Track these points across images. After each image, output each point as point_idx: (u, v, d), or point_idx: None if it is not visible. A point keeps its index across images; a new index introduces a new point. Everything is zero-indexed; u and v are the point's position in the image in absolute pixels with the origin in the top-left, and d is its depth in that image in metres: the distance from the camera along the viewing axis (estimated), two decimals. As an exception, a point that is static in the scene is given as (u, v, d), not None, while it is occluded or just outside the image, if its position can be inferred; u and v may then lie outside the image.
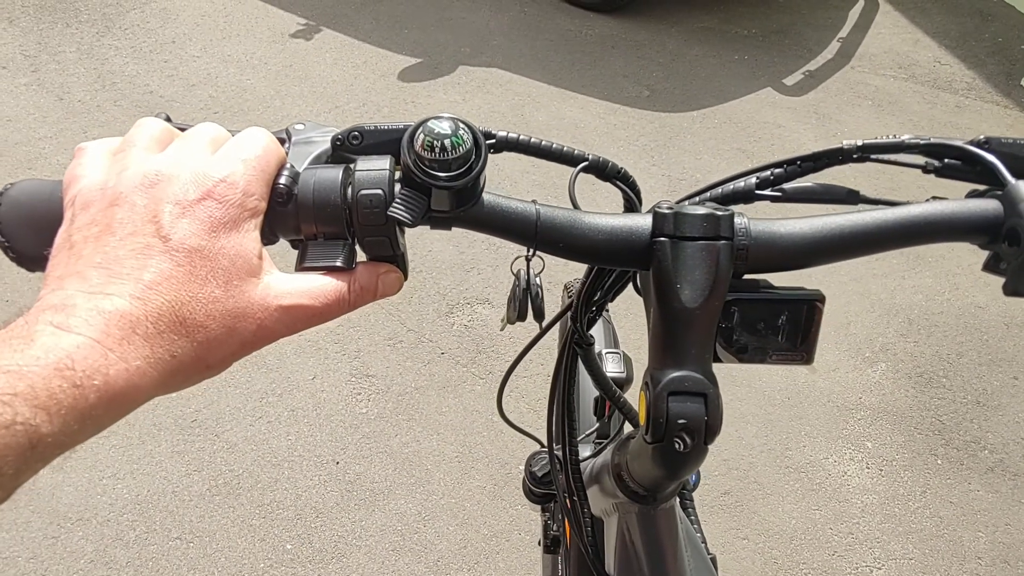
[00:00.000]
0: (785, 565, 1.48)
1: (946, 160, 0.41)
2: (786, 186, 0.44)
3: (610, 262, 0.39)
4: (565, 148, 0.45)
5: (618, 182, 0.46)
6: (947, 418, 1.73)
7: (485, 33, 2.85)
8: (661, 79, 2.71)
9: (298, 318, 0.32)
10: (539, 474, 0.74)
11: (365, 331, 1.83)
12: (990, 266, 0.38)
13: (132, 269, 0.28)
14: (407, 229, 0.39)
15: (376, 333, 1.83)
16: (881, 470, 1.63)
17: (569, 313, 0.54)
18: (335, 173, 0.35)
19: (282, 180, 0.34)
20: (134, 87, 2.46)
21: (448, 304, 1.91)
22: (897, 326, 1.92)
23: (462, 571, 1.44)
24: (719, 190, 0.45)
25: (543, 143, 0.44)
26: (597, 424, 0.76)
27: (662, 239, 0.37)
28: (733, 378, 1.78)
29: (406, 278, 0.39)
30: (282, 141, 0.39)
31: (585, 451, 0.66)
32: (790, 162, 0.44)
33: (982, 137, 0.41)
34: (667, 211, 0.38)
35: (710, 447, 0.38)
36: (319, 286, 0.33)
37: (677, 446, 0.37)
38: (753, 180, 0.44)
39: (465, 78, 2.63)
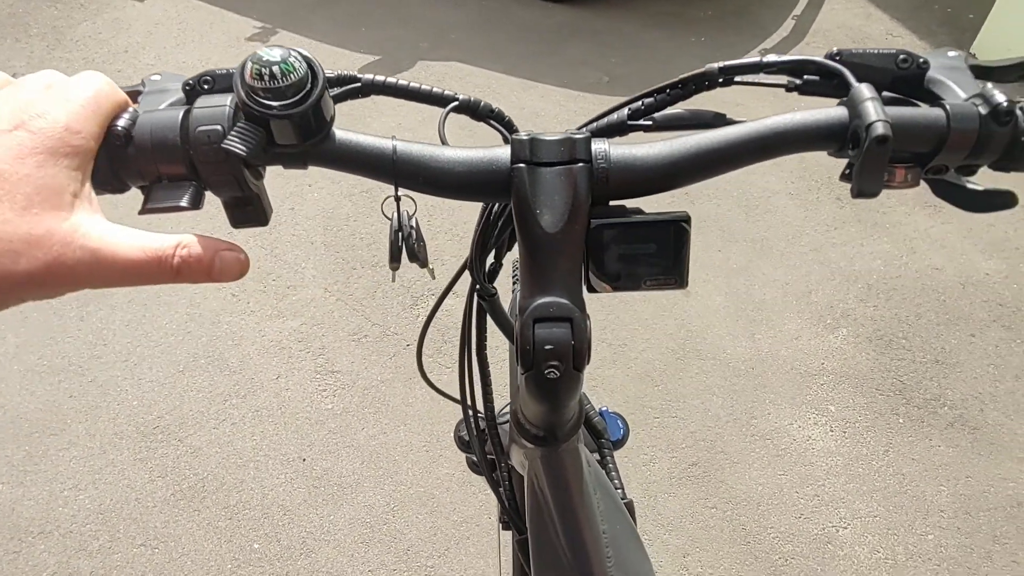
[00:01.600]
0: (753, 531, 1.49)
1: (805, 77, 0.42)
2: (657, 115, 0.44)
3: (471, 194, 0.39)
4: (434, 89, 0.45)
5: (492, 121, 0.46)
6: (907, 378, 1.75)
7: (443, 27, 2.85)
8: (620, 64, 2.72)
9: (106, 265, 0.31)
10: (466, 439, 0.74)
11: (329, 328, 1.82)
12: (844, 175, 0.38)
13: None
14: (266, 170, 0.39)
15: (340, 329, 1.82)
16: (844, 432, 1.65)
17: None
18: (175, 113, 0.35)
19: (120, 122, 0.34)
20: (87, 98, 2.43)
21: (412, 296, 1.91)
22: (857, 292, 1.94)
23: (432, 558, 1.44)
24: (594, 125, 0.45)
25: (410, 85, 0.44)
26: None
27: (520, 166, 0.37)
28: (699, 352, 1.79)
29: (266, 223, 0.38)
30: (137, 92, 0.39)
31: None
32: (659, 90, 0.44)
33: (835, 50, 0.41)
34: (524, 138, 0.38)
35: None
36: (141, 241, 0.31)
37: (548, 374, 0.37)
38: (625, 112, 0.44)
39: (424, 73, 2.62)
